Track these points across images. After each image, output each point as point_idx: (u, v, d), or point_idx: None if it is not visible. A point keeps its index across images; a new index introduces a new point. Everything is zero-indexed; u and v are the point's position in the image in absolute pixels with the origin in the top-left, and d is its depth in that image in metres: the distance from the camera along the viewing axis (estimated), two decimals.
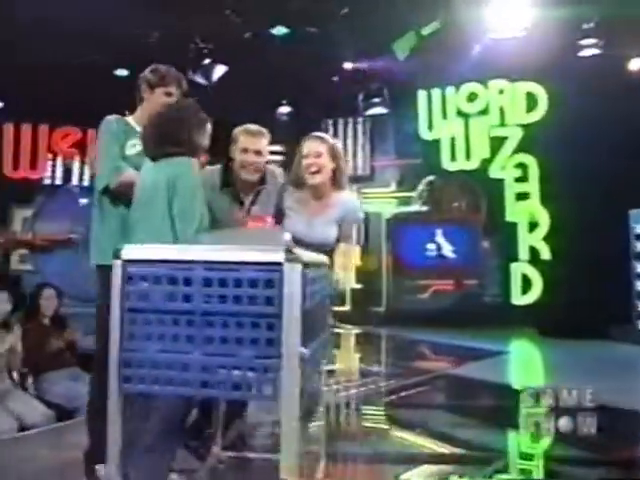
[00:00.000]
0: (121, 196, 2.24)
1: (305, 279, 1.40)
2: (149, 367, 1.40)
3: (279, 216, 2.66)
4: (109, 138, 2.35)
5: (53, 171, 8.71)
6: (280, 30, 6.61)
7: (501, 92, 7.52)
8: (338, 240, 2.66)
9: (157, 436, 1.90)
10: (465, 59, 6.91)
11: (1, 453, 2.66)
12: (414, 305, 7.94)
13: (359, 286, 8.75)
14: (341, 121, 9.59)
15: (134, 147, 2.37)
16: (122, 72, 7.55)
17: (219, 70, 7.06)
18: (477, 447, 2.94)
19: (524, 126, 7.38)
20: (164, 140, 1.90)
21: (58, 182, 8.74)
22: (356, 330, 7.68)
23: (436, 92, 7.96)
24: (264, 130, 2.61)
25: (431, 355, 6.18)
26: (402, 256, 8.25)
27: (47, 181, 8.69)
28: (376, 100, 8.52)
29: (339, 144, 2.66)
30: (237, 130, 2.59)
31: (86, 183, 8.71)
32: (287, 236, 1.98)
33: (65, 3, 6.03)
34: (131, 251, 1.45)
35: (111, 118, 2.40)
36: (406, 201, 8.64)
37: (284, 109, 9.59)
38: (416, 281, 8.04)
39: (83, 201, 8.57)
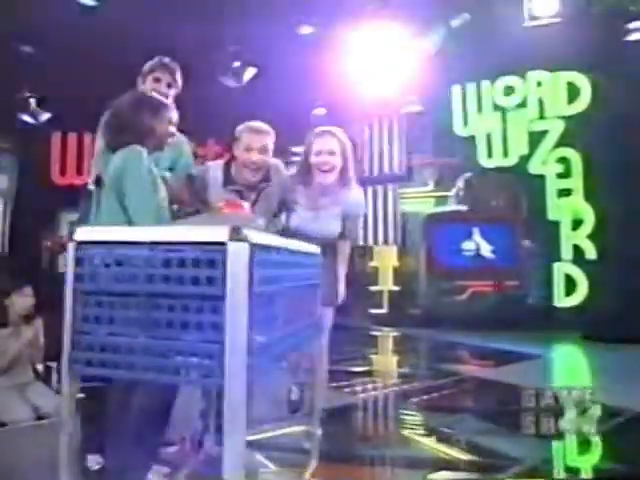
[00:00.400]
0: None
1: (256, 261, 1.33)
2: (98, 350, 1.37)
3: (283, 209, 2.63)
4: (100, 134, 2.36)
5: None
6: (306, 30, 6.60)
7: (540, 84, 7.17)
8: (342, 234, 2.68)
9: (138, 426, 1.89)
10: (500, 50, 6.64)
11: (17, 440, 2.77)
12: (451, 307, 7.67)
13: (397, 288, 8.61)
14: (377, 120, 9.48)
15: None
16: None
17: (249, 72, 7.14)
18: (498, 454, 2.75)
19: (565, 118, 7.00)
20: (115, 129, 1.89)
21: None
22: (392, 332, 7.51)
23: (471, 87, 7.69)
24: (268, 128, 2.51)
25: (465, 358, 5.93)
26: (439, 257, 8.00)
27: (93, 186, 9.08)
28: (411, 97, 8.35)
29: (347, 139, 2.54)
30: (240, 128, 2.51)
31: None
32: (260, 221, 1.93)
33: (103, 16, 6.31)
34: (84, 233, 1.43)
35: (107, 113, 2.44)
36: (443, 200, 8.40)
37: (319, 110, 9.59)
38: (453, 282, 7.77)
39: None
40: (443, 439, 2.86)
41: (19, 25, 5.91)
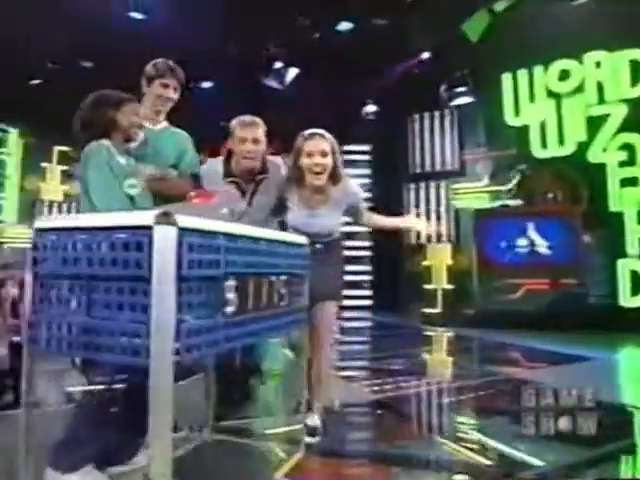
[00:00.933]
0: None
1: (187, 244, 1.36)
2: (55, 330, 1.46)
3: (281, 207, 2.68)
4: None
5: None
6: (345, 26, 6.56)
7: (598, 65, 6.63)
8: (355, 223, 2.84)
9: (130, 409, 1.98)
10: (551, 32, 6.23)
11: (47, 422, 3.01)
12: (504, 306, 7.30)
13: (450, 286, 8.35)
14: (427, 115, 9.27)
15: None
16: (207, 84, 8.16)
17: (291, 73, 7.23)
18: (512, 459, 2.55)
19: (628, 101, 6.43)
20: (80, 127, 1.99)
21: None
22: (443, 332, 7.27)
23: (522, 73, 7.28)
24: (258, 119, 2.65)
25: (513, 359, 5.61)
26: (491, 254, 7.65)
27: None
28: (460, 89, 8.07)
29: (334, 139, 2.61)
30: (233, 122, 2.65)
31: None
32: (225, 210, 1.96)
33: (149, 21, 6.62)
34: (41, 221, 1.53)
35: None
36: (498, 195, 8.03)
37: (369, 108, 9.53)
38: (506, 280, 7.39)
39: None
40: (469, 442, 2.73)
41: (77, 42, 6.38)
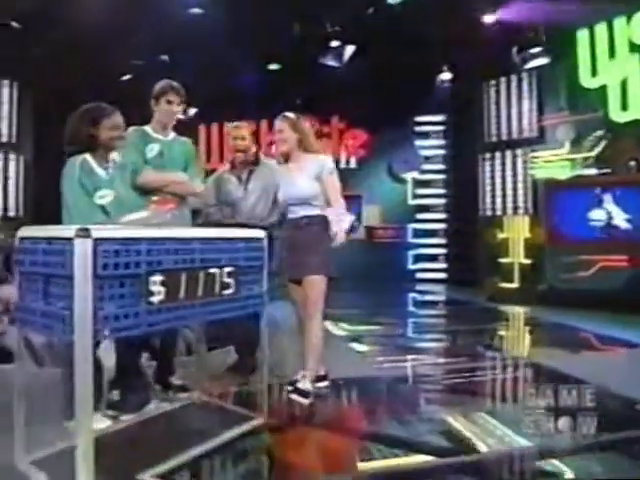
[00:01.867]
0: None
1: (102, 251, 1.76)
2: (31, 314, 1.97)
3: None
4: (128, 147, 2.93)
5: None
6: None
7: None
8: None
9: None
10: None
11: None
12: (575, 284, 6.88)
13: (528, 261, 8.04)
14: (503, 80, 8.75)
15: (152, 151, 3.02)
16: (274, 66, 8.56)
17: (349, 50, 7.31)
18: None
19: None
20: (66, 141, 2.42)
21: None
22: (511, 308, 7.09)
23: (601, 28, 6.57)
24: (245, 123, 3.59)
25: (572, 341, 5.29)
26: (563, 227, 7.19)
27: None
28: (534, 51, 7.51)
29: (301, 117, 3.17)
30: (228, 127, 3.63)
31: None
32: (168, 215, 2.34)
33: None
34: (24, 231, 2.04)
35: (130, 130, 3.00)
36: (578, 163, 7.45)
37: (443, 76, 9.26)
38: (579, 256, 6.92)
39: None
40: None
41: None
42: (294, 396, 2.95)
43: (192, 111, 9.46)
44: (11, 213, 7.79)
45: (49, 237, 1.85)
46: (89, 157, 2.38)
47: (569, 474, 2.23)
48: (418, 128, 10.10)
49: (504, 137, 8.76)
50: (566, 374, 3.57)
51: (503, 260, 8.26)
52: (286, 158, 3.18)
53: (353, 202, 10.25)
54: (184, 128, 9.81)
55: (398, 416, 2.85)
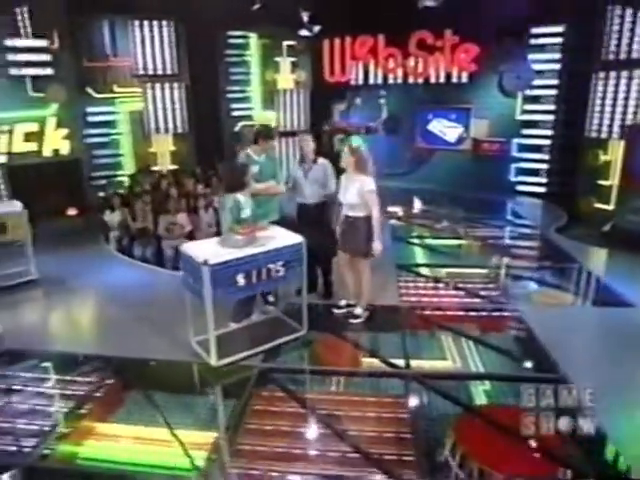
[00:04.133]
0: None
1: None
2: None
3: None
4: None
5: (357, 73, 11.39)
6: None
7: None
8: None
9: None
10: None
11: None
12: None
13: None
14: None
15: (255, 168, 4.70)
16: None
17: None
18: None
19: None
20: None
21: (360, 82, 11.41)
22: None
23: None
24: (309, 136, 5.22)
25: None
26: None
27: (353, 82, 11.48)
28: None
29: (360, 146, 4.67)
30: (299, 136, 5.53)
31: (380, 81, 11.08)
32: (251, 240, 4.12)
33: None
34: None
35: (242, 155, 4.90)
36: None
37: None
38: None
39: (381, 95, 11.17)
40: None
41: None
42: (350, 319, 4.77)
43: (316, 28, 10.52)
44: (179, 130, 10.12)
45: None
46: None
47: None
48: (533, 40, 9.92)
49: (622, 55, 8.44)
50: None
51: (602, 182, 8.62)
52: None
53: (462, 115, 10.83)
54: (310, 43, 11.21)
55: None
